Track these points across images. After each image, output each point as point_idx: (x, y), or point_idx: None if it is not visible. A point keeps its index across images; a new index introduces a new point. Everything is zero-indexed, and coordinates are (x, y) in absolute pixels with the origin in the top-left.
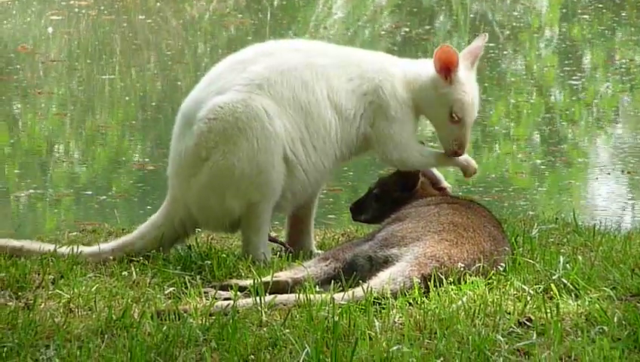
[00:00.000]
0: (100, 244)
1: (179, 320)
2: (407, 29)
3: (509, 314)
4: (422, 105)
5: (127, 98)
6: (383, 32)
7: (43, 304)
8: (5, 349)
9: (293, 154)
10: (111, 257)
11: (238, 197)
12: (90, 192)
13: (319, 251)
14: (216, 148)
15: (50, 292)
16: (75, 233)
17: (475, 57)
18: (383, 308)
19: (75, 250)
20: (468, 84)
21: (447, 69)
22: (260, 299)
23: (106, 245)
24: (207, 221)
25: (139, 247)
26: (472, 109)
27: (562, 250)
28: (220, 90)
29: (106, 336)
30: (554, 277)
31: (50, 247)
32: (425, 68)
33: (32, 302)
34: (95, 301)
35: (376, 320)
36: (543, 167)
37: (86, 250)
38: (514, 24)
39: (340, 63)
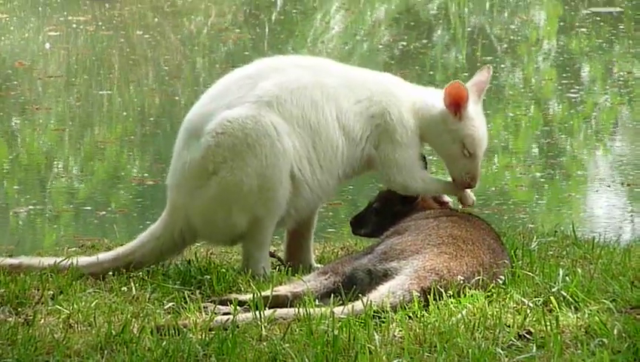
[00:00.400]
0: (100, 254)
1: (178, 335)
2: (404, 43)
3: (509, 327)
4: (429, 136)
5: (125, 113)
6: (380, 46)
7: (42, 319)
8: None
9: (300, 171)
10: (111, 271)
11: (245, 211)
12: (89, 208)
13: (318, 265)
14: (224, 164)
15: (49, 307)
16: (74, 248)
17: (481, 91)
18: (383, 322)
19: (75, 262)
20: (477, 118)
21: (456, 105)
22: (260, 314)
23: (106, 254)
24: (210, 234)
25: (139, 256)
26: (483, 143)
27: (561, 263)
28: (229, 105)
29: (105, 352)
30: (553, 290)
31: (50, 261)
32: (434, 100)
33: (31, 317)
34: (94, 316)
35: (376, 334)
36: (542, 180)
37: (87, 260)
38: (512, 37)
39: (350, 85)
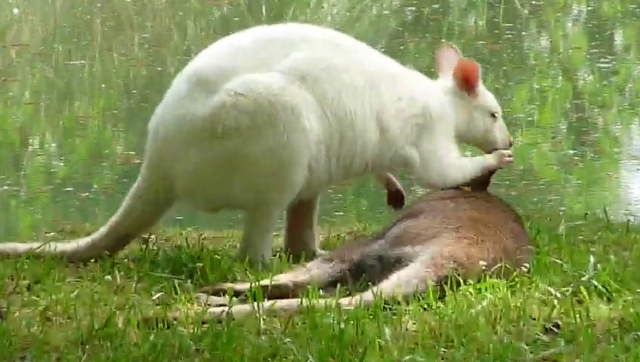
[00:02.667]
0: (92, 235)
1: (168, 328)
2: (412, 8)
3: (534, 319)
4: (459, 126)
5: (107, 85)
6: (387, 12)
7: (17, 312)
8: None
9: (313, 158)
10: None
11: (248, 190)
12: (69, 188)
13: (323, 251)
14: (237, 130)
15: (25, 298)
16: (52, 233)
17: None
18: (395, 314)
19: (59, 247)
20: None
21: (470, 82)
22: (258, 305)
23: (97, 234)
24: (192, 195)
25: (129, 224)
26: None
27: (592, 249)
28: (257, 67)
29: (87, 347)
30: (583, 279)
31: (45, 246)
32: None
33: (5, 309)
34: (75, 308)
35: (386, 328)
36: (574, 158)
37: (81, 242)
38: (534, 2)
39: (390, 77)
